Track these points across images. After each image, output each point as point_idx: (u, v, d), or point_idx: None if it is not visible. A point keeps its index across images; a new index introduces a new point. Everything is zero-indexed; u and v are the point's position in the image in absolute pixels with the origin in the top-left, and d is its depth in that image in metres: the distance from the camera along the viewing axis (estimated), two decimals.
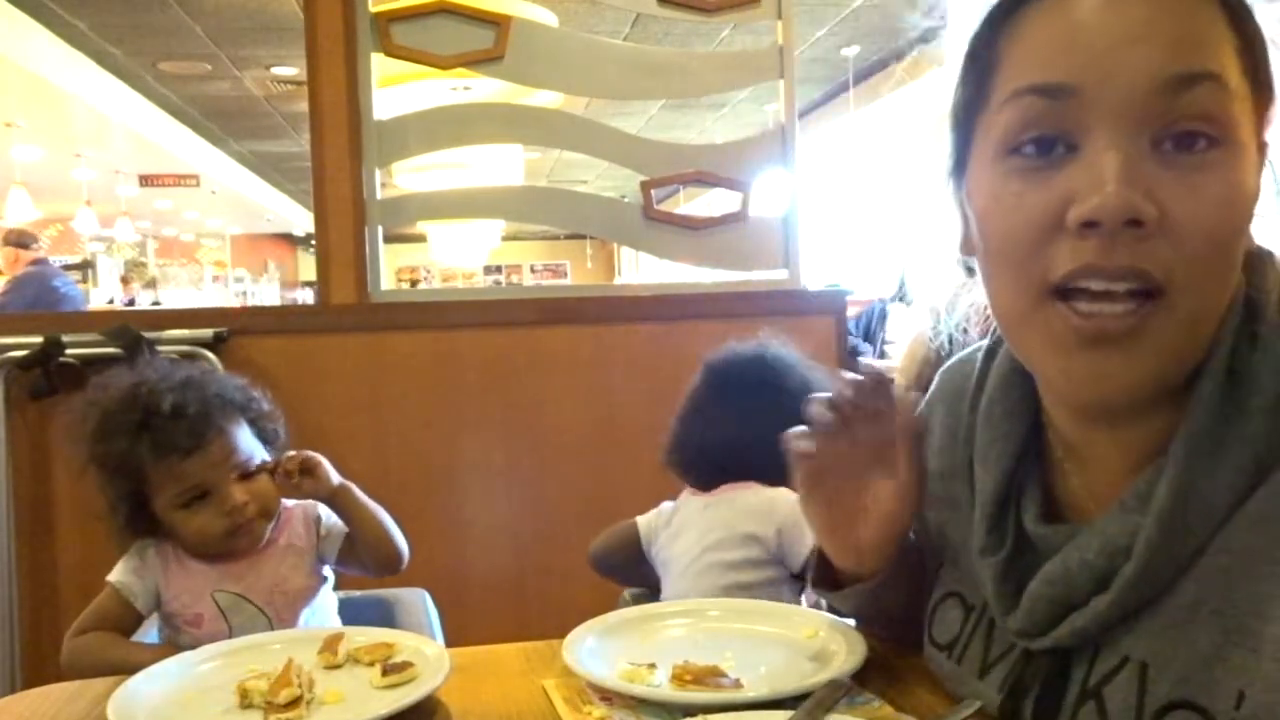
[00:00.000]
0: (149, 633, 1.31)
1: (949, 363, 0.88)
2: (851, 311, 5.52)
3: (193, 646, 1.02)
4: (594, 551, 1.59)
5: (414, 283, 8.92)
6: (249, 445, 1.28)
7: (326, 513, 1.34)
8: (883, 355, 5.54)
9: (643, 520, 1.55)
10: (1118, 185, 0.57)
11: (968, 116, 0.68)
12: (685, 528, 1.48)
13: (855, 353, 5.38)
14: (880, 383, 0.78)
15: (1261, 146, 0.63)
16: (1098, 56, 0.59)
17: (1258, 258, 0.66)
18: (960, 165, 0.70)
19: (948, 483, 0.81)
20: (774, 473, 1.44)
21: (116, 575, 1.26)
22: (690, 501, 1.50)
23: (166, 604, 1.26)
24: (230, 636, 1.20)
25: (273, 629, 1.23)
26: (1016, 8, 0.64)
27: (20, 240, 6.04)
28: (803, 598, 1.36)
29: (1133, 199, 0.57)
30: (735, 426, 1.45)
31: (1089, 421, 0.69)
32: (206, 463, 1.23)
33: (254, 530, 1.27)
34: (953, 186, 0.72)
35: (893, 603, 0.87)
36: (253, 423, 1.31)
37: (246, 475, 1.26)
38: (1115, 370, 0.60)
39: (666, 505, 1.55)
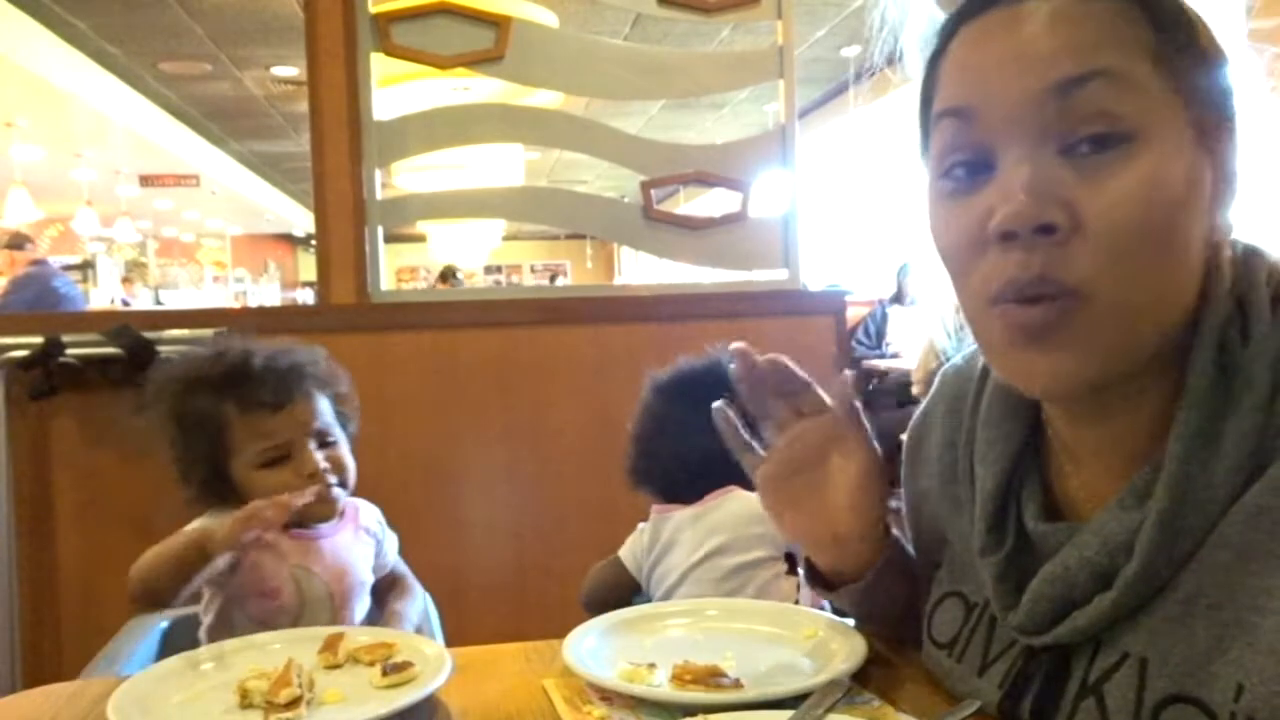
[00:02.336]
0: (154, 630, 1.31)
1: (947, 365, 0.88)
2: (855, 314, 5.52)
3: (260, 619, 1.00)
4: (585, 595, 1.56)
5: (446, 277, 8.85)
6: (329, 416, 1.29)
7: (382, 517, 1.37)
8: (882, 356, 5.55)
9: (624, 551, 1.52)
10: (1026, 195, 0.60)
11: (923, 142, 0.71)
12: (675, 542, 1.44)
13: (859, 359, 5.38)
14: (776, 365, 0.83)
15: (1204, 134, 0.62)
16: (986, 76, 0.63)
17: (1249, 254, 0.66)
18: None
19: (948, 484, 0.82)
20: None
21: (199, 524, 1.19)
22: (673, 516, 1.47)
23: (243, 571, 1.20)
24: (301, 614, 1.20)
25: (333, 612, 1.23)
26: (947, 42, 0.68)
27: (15, 242, 6.06)
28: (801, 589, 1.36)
29: (1038, 206, 0.60)
30: (707, 433, 1.47)
31: (1076, 417, 0.70)
32: (291, 421, 1.23)
33: (331, 500, 1.26)
34: None
35: (888, 600, 0.87)
36: (333, 399, 1.32)
37: (325, 444, 1.27)
38: (1042, 368, 0.63)
39: (642, 526, 1.52)
